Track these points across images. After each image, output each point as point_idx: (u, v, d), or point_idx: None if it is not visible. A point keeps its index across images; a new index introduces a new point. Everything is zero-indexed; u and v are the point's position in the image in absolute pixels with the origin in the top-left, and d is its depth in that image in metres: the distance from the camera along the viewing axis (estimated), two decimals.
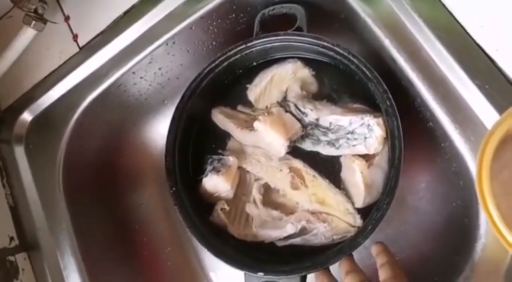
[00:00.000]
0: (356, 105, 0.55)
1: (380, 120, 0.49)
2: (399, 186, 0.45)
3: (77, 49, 0.62)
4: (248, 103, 0.61)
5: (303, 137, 0.56)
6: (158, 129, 0.71)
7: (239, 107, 0.62)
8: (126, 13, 0.60)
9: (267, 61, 0.60)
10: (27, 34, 0.60)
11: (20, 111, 0.64)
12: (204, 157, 0.59)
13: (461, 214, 0.46)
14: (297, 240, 0.53)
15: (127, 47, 0.60)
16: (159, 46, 0.59)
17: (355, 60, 0.48)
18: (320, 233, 0.52)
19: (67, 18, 0.64)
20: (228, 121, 0.60)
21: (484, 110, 0.41)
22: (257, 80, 0.61)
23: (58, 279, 0.58)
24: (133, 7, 0.59)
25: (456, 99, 0.43)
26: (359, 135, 0.51)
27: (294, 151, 0.56)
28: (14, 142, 0.64)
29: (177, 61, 0.63)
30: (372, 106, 0.52)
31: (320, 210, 0.54)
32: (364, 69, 0.48)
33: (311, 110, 0.55)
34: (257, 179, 0.58)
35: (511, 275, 0.38)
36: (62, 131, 0.62)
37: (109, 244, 0.64)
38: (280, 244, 0.54)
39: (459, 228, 0.46)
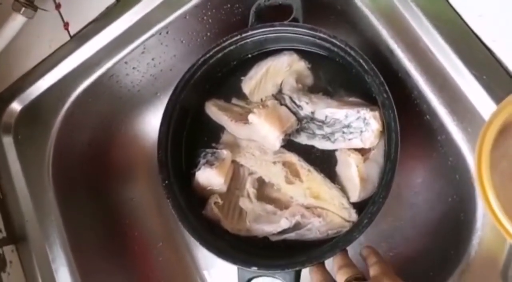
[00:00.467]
0: (352, 99, 0.54)
1: (376, 113, 0.49)
2: (394, 181, 0.44)
3: (68, 38, 0.61)
4: (243, 96, 0.60)
5: (298, 131, 0.56)
6: (151, 122, 0.70)
7: (234, 100, 0.62)
8: (118, 1, 0.59)
9: (262, 53, 0.59)
10: (17, 21, 0.59)
11: (9, 101, 0.63)
12: (197, 150, 0.59)
13: (457, 209, 0.46)
14: (291, 235, 0.52)
15: (119, 36, 0.58)
16: (152, 35, 0.58)
17: (352, 52, 0.48)
18: (315, 228, 0.52)
19: (58, 6, 0.63)
20: (222, 114, 0.59)
21: (482, 101, 0.41)
22: (252, 72, 0.60)
23: (46, 272, 0.57)
24: None
25: (453, 90, 0.42)
26: (355, 129, 0.51)
27: (289, 145, 0.55)
28: (3, 132, 0.63)
29: (170, 52, 0.62)
30: (368, 100, 0.52)
31: (315, 205, 0.53)
32: (361, 61, 0.47)
33: (307, 103, 0.54)
34: (251, 173, 0.58)
35: (507, 268, 0.37)
36: (52, 121, 0.61)
37: (99, 238, 0.63)
38: (274, 238, 0.53)
39: (455, 223, 0.46)
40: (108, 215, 0.66)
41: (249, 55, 0.59)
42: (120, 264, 0.64)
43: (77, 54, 0.60)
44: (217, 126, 0.60)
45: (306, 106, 0.54)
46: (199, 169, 0.56)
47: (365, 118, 0.50)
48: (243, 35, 0.55)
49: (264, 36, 0.55)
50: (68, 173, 0.62)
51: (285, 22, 0.53)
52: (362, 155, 0.51)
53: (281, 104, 0.57)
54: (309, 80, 0.59)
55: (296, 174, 0.55)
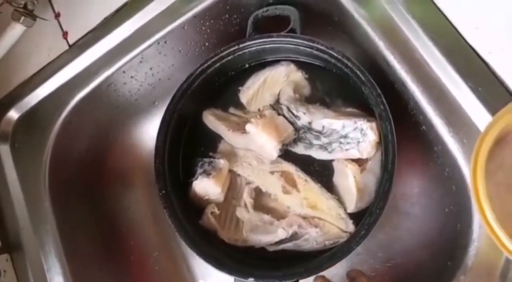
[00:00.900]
0: (349, 109, 0.55)
1: (373, 124, 0.49)
2: (391, 191, 0.44)
3: (66, 47, 0.61)
4: (240, 106, 0.61)
5: (295, 141, 0.56)
6: (148, 131, 0.70)
7: (231, 110, 0.62)
8: (117, 11, 0.59)
9: (260, 64, 0.60)
10: (16, 30, 0.59)
11: (7, 109, 0.63)
12: (194, 159, 0.59)
13: (454, 220, 0.46)
14: (288, 245, 0.52)
15: (117, 46, 0.59)
16: (151, 45, 0.58)
17: (349, 64, 0.48)
18: (312, 238, 0.51)
19: (57, 15, 0.63)
20: (219, 123, 0.60)
21: (477, 113, 0.41)
22: (249, 82, 0.61)
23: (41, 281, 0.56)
24: (125, 4, 0.59)
25: (449, 102, 0.43)
26: (352, 139, 0.51)
27: (286, 155, 0.56)
28: None
29: (168, 61, 0.62)
30: (365, 110, 0.52)
31: (312, 215, 0.53)
32: (358, 72, 0.47)
33: (304, 113, 0.55)
34: (248, 183, 0.58)
35: (504, 279, 0.37)
36: (49, 130, 0.61)
37: (95, 247, 0.62)
38: (271, 249, 0.53)
39: (452, 233, 0.46)
40: (104, 224, 0.65)
41: (247, 66, 0.60)
42: (116, 273, 0.63)
43: (76, 63, 0.60)
44: (214, 135, 0.60)
45: (304, 117, 0.55)
46: (196, 178, 0.56)
47: (362, 129, 0.50)
48: (241, 45, 0.55)
49: (262, 46, 0.55)
50: (65, 181, 0.62)
51: (283, 33, 0.53)
52: (359, 165, 0.51)
53: (279, 114, 0.57)
54: (307, 90, 0.59)
55: (293, 184, 0.55)
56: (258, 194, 0.57)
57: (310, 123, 0.54)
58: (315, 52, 0.52)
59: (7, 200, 0.60)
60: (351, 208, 0.50)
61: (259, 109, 0.59)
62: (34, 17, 0.59)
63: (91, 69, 0.60)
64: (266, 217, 0.55)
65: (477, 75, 0.41)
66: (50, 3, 0.63)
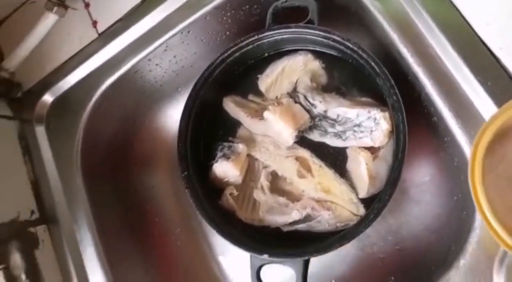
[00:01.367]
0: (364, 99, 0.56)
1: (386, 114, 0.51)
2: (403, 178, 0.46)
3: (96, 35, 0.64)
4: (259, 93, 0.63)
5: (311, 128, 0.58)
6: (172, 115, 0.73)
7: (250, 97, 0.64)
8: (143, 1, 0.61)
9: (278, 53, 0.61)
10: (49, 19, 0.62)
11: (41, 93, 0.67)
12: (214, 143, 0.61)
13: (460, 207, 0.48)
14: (302, 226, 0.55)
15: (144, 35, 0.61)
16: (175, 34, 0.61)
17: (364, 55, 0.49)
18: (324, 220, 0.54)
19: (87, 5, 0.66)
20: (239, 110, 0.62)
21: (486, 106, 0.42)
22: (268, 70, 0.63)
23: (75, 251, 0.61)
24: None
25: (459, 95, 0.44)
26: (365, 128, 0.53)
27: (302, 141, 0.58)
28: (35, 122, 0.67)
29: (191, 50, 0.65)
30: (380, 100, 0.54)
31: (325, 198, 0.56)
32: (373, 64, 0.49)
33: (320, 102, 0.57)
34: (265, 166, 0.60)
35: (502, 263, 0.39)
36: (80, 113, 0.65)
37: (122, 222, 0.67)
38: (285, 229, 0.56)
39: (458, 221, 0.48)
40: (131, 201, 0.70)
41: (266, 55, 0.62)
42: (141, 246, 0.68)
43: (105, 51, 0.63)
44: (234, 121, 0.63)
45: (320, 105, 0.57)
46: (216, 161, 0.59)
47: (375, 118, 0.52)
48: (260, 35, 0.57)
49: (280, 37, 0.57)
50: (95, 160, 0.66)
51: (301, 24, 0.55)
52: (372, 153, 0.53)
53: (296, 102, 0.59)
54: (323, 79, 0.61)
55: (308, 169, 0.58)
56: (275, 177, 0.60)
57: (325, 111, 0.56)
58: (332, 43, 0.53)
59: (43, 177, 0.64)
60: (363, 193, 0.53)
61: (276, 97, 0.62)
62: (66, 7, 0.62)
63: (119, 57, 0.63)
64: (282, 199, 0.58)
65: (487, 70, 0.42)
66: None
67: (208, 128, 0.64)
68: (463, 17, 0.44)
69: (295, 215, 0.55)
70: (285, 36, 0.57)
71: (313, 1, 0.56)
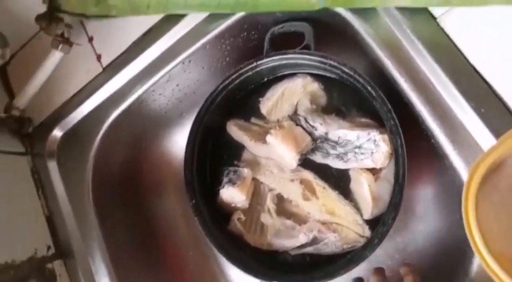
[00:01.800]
0: (363, 120, 0.57)
1: (385, 136, 0.51)
2: (407, 196, 0.46)
3: (101, 69, 0.66)
4: (261, 116, 0.64)
5: (313, 150, 0.59)
6: (178, 141, 0.74)
7: (253, 120, 0.65)
8: (145, 34, 0.63)
9: (277, 77, 0.63)
10: (55, 56, 0.64)
11: (51, 127, 0.68)
12: (220, 167, 0.63)
13: (463, 227, 0.48)
14: (309, 249, 0.56)
15: (147, 67, 0.63)
16: (176, 65, 0.62)
17: (360, 79, 0.50)
18: (331, 243, 0.55)
19: (90, 39, 0.68)
20: (242, 133, 0.63)
21: (480, 133, 0.42)
22: (269, 94, 0.64)
23: None
24: (151, 29, 0.62)
25: (453, 121, 0.44)
26: (366, 150, 0.53)
27: (306, 163, 0.59)
28: (47, 156, 0.68)
29: (193, 77, 0.66)
30: (379, 120, 0.54)
31: (331, 220, 0.56)
32: (369, 88, 0.49)
33: (321, 124, 0.57)
34: (270, 189, 0.61)
35: None
36: (90, 145, 0.66)
37: (135, 250, 0.68)
38: (293, 252, 0.57)
39: (463, 238, 0.48)
40: (143, 228, 0.71)
41: (265, 79, 0.63)
42: (155, 272, 0.69)
43: (110, 84, 0.65)
44: (238, 144, 0.64)
45: (320, 127, 0.57)
46: (223, 187, 0.60)
47: (375, 140, 0.52)
48: (259, 62, 0.58)
49: (278, 63, 0.58)
50: (106, 191, 0.68)
51: (297, 50, 0.56)
52: (374, 174, 0.53)
53: (297, 124, 0.60)
54: (323, 100, 0.62)
55: (313, 191, 0.58)
56: (280, 200, 0.61)
57: (326, 133, 0.57)
58: (329, 67, 0.54)
59: (57, 211, 0.66)
60: (367, 215, 0.53)
61: (278, 120, 0.63)
62: (70, 44, 0.64)
63: (124, 89, 0.64)
64: (288, 222, 0.58)
65: (480, 96, 0.42)
66: (84, 28, 0.68)
67: (213, 153, 0.65)
68: (453, 43, 0.44)
69: (302, 239, 0.56)
70: (283, 62, 0.58)
71: (309, 26, 0.57)
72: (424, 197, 0.57)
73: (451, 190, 0.51)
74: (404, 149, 0.46)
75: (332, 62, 0.53)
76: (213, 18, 0.60)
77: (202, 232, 0.58)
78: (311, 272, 0.51)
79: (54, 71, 0.67)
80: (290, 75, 0.62)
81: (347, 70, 0.51)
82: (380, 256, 0.51)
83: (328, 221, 0.56)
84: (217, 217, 0.60)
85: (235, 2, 0.56)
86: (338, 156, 0.57)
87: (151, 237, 0.71)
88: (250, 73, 0.60)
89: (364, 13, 0.51)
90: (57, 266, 0.62)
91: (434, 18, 0.46)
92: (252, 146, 0.63)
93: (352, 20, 0.51)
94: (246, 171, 0.61)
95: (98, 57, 0.67)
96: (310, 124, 0.59)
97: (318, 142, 0.58)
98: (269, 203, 0.61)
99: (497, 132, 0.40)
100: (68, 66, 0.68)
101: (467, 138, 0.43)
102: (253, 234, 0.60)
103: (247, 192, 0.60)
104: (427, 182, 0.57)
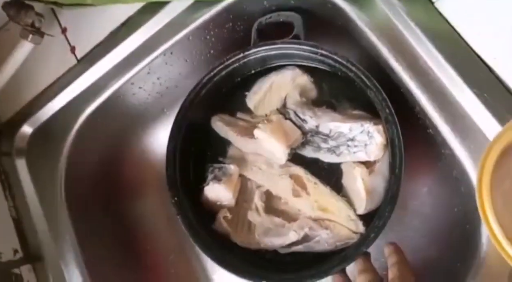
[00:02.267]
0: (356, 112, 0.55)
1: (380, 127, 0.49)
2: (401, 191, 0.45)
3: (75, 61, 0.62)
4: (248, 110, 0.62)
5: (303, 144, 0.57)
6: (159, 138, 0.71)
7: (239, 115, 0.63)
8: (123, 24, 0.60)
9: (265, 69, 0.60)
10: (25, 47, 0.60)
11: (20, 124, 0.64)
12: (204, 165, 0.60)
13: (462, 220, 0.46)
14: (299, 247, 0.53)
15: (125, 59, 0.60)
16: (157, 57, 0.59)
17: (353, 68, 0.48)
18: (323, 240, 0.52)
19: (64, 30, 0.64)
20: (228, 129, 0.61)
21: (483, 119, 0.41)
22: (256, 87, 0.61)
23: None
24: (129, 19, 0.59)
25: (455, 108, 0.43)
26: (359, 142, 0.52)
27: (295, 158, 0.56)
28: (15, 154, 0.64)
29: (175, 70, 0.63)
30: (372, 112, 0.52)
31: (322, 217, 0.54)
32: (363, 77, 0.48)
33: (311, 117, 0.55)
34: (258, 186, 0.59)
35: None
36: (62, 143, 0.62)
37: (112, 253, 0.64)
38: (282, 251, 0.54)
39: (461, 234, 0.46)
40: (120, 230, 0.67)
41: (252, 71, 0.60)
42: (133, 278, 0.65)
43: (85, 77, 0.61)
44: (223, 141, 0.61)
45: (311, 120, 0.55)
46: (208, 184, 0.57)
47: (369, 132, 0.50)
48: (246, 53, 0.56)
49: (267, 53, 0.56)
50: (81, 191, 0.64)
51: (286, 40, 0.54)
52: (367, 167, 0.51)
53: (286, 118, 0.57)
54: (313, 93, 0.60)
55: (303, 187, 0.56)
56: (269, 197, 0.58)
57: (317, 126, 0.55)
58: (320, 57, 0.52)
59: (25, 212, 0.62)
60: (361, 210, 0.51)
61: (266, 114, 0.60)
62: (41, 34, 0.60)
63: (100, 82, 0.61)
64: (278, 220, 0.56)
65: (482, 81, 0.41)
66: (57, 19, 0.64)
67: (197, 150, 0.62)
68: (453, 28, 0.43)
69: (293, 236, 0.53)
70: (271, 53, 0.56)
71: (298, 16, 0.55)
72: (419, 191, 0.56)
73: (447, 184, 0.50)
74: (400, 139, 0.44)
75: (323, 52, 0.51)
76: (197, 7, 0.57)
77: (185, 232, 0.54)
78: (303, 270, 0.48)
79: (24, 64, 0.63)
80: (279, 68, 0.60)
81: (339, 59, 0.49)
82: (374, 253, 0.48)
83: (319, 217, 0.54)
84: (201, 216, 0.57)
85: None
86: (330, 150, 0.54)
87: (129, 240, 0.67)
88: (236, 64, 0.57)
89: None
90: (25, 271, 0.58)
91: (432, 2, 0.44)
92: (238, 141, 0.60)
93: (345, 7, 0.49)
94: (232, 167, 0.58)
95: (72, 49, 0.63)
96: (300, 118, 0.57)
97: (308, 136, 0.56)
98: (257, 201, 0.58)
99: (501, 118, 0.39)
100: (39, 58, 0.64)
101: (469, 125, 0.41)
102: (240, 233, 0.57)
103: (234, 189, 0.57)
104: (422, 176, 0.56)
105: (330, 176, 0.55)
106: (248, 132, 0.59)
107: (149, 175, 0.72)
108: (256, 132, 0.55)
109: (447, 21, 0.43)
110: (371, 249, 0.47)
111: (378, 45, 0.47)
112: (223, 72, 0.58)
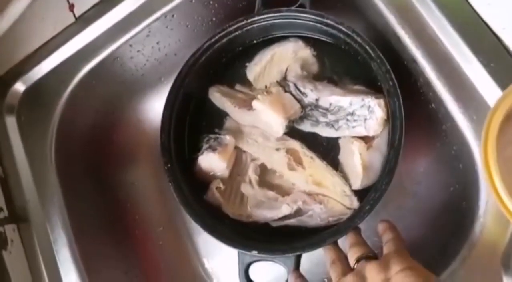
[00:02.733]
0: (357, 87, 0.54)
1: (381, 101, 0.49)
2: (397, 170, 0.44)
3: (73, 20, 0.61)
4: (247, 82, 0.60)
5: (301, 118, 0.56)
6: (154, 107, 0.69)
7: (237, 86, 0.61)
8: None
9: (268, 40, 0.59)
10: (22, 2, 0.59)
11: (13, 81, 0.62)
12: (200, 135, 0.59)
13: (459, 198, 0.46)
14: (292, 221, 0.53)
15: (124, 19, 0.58)
16: (158, 19, 0.58)
17: (358, 39, 0.48)
18: (316, 214, 0.52)
19: None
20: (225, 100, 0.59)
21: (488, 89, 0.40)
22: (256, 59, 0.60)
23: (47, 252, 0.57)
24: None
25: (460, 77, 0.42)
26: (359, 116, 0.51)
27: (292, 132, 0.55)
28: (6, 112, 0.62)
29: (175, 36, 0.62)
30: (373, 88, 0.52)
31: (317, 192, 0.53)
32: (367, 48, 0.47)
33: (311, 90, 0.54)
34: (253, 159, 0.58)
35: (509, 256, 0.37)
36: (55, 103, 0.61)
37: (100, 220, 0.63)
38: (274, 224, 0.54)
39: (456, 212, 0.46)
40: (110, 198, 0.66)
41: (255, 42, 0.59)
42: (120, 246, 0.64)
43: (82, 36, 0.59)
44: (220, 112, 0.60)
45: (311, 94, 0.54)
46: (202, 153, 0.56)
47: (369, 106, 0.50)
48: (249, 20, 0.55)
49: (270, 22, 0.55)
50: (71, 154, 0.62)
51: (292, 8, 0.53)
52: (366, 143, 0.51)
53: (286, 91, 0.56)
54: (314, 67, 0.58)
55: (299, 161, 0.55)
56: (263, 170, 0.57)
57: (317, 100, 0.54)
58: (325, 27, 0.51)
59: (13, 171, 0.60)
60: (356, 185, 0.50)
61: (266, 86, 0.59)
62: None
63: (97, 42, 0.59)
64: (271, 193, 0.55)
65: (489, 51, 0.40)
66: None
67: (193, 120, 0.61)
68: None
69: (285, 210, 0.52)
70: (275, 21, 0.55)
71: None
72: (415, 170, 0.56)
73: (445, 163, 0.50)
74: (402, 111, 0.43)
75: (328, 21, 0.50)
76: None
77: (177, 200, 0.53)
78: (294, 242, 0.48)
79: (20, 20, 0.61)
80: (281, 39, 0.59)
81: (344, 29, 0.49)
82: (366, 231, 0.48)
83: (314, 192, 0.53)
84: (193, 185, 0.56)
85: None
86: (329, 124, 0.53)
87: (118, 208, 0.66)
88: (239, 32, 0.56)
89: None
90: (9, 230, 0.57)
91: None
92: (236, 113, 0.59)
93: None
94: (228, 138, 0.57)
95: (71, 7, 0.61)
96: (300, 91, 0.55)
97: (307, 110, 0.55)
98: (251, 173, 0.57)
99: (506, 88, 0.38)
100: (35, 15, 0.63)
101: (474, 95, 0.41)
102: (232, 204, 0.56)
103: (228, 159, 0.56)
104: (419, 155, 0.55)
105: (328, 151, 0.54)
106: (246, 104, 0.58)
107: (143, 144, 0.70)
108: (254, 103, 0.55)
109: None
110: (364, 229, 0.46)
111: (386, 13, 0.46)
112: (224, 40, 0.57)
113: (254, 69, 0.60)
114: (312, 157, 0.55)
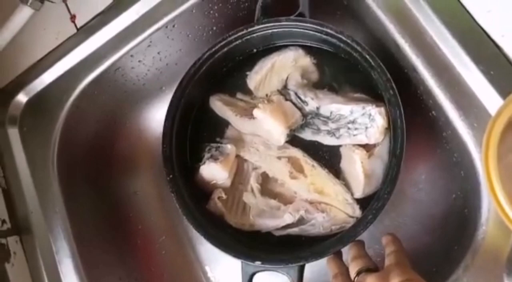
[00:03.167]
0: (357, 95, 0.54)
1: (382, 109, 0.49)
2: (399, 177, 0.44)
3: (74, 30, 0.61)
4: (248, 91, 0.61)
5: (303, 126, 0.56)
6: (156, 116, 0.70)
7: (238, 95, 0.62)
8: None
9: (268, 49, 0.59)
10: (24, 13, 0.59)
11: (15, 92, 0.63)
12: (201, 144, 0.59)
13: (461, 205, 0.46)
14: (294, 230, 0.52)
15: (126, 29, 0.58)
16: (159, 29, 0.58)
17: (358, 48, 0.48)
18: (318, 223, 0.52)
19: None
20: (226, 109, 0.60)
21: (488, 96, 0.40)
22: (257, 67, 0.60)
23: (50, 264, 0.57)
24: None
25: (460, 86, 0.42)
26: (360, 125, 0.51)
27: (294, 140, 0.56)
28: (8, 123, 0.63)
29: (176, 45, 0.62)
30: (374, 96, 0.52)
31: (319, 200, 0.53)
32: (368, 57, 0.47)
33: (312, 99, 0.54)
34: (255, 168, 0.58)
35: (510, 264, 0.37)
36: (57, 114, 0.61)
37: (102, 230, 0.63)
38: (277, 233, 0.54)
39: (458, 219, 0.46)
40: (111, 208, 0.66)
41: (255, 50, 0.59)
42: (123, 256, 0.64)
43: (84, 47, 0.60)
44: (221, 121, 0.60)
45: (311, 102, 0.54)
46: (204, 163, 0.56)
47: (370, 114, 0.50)
48: (249, 29, 0.55)
49: (270, 31, 0.55)
50: (73, 165, 0.62)
51: (292, 17, 0.53)
52: (367, 151, 0.51)
53: (286, 99, 0.56)
54: (315, 76, 0.59)
55: (300, 169, 0.55)
56: (265, 179, 0.57)
57: (318, 108, 0.54)
58: (324, 36, 0.51)
59: (16, 182, 0.60)
60: (358, 193, 0.50)
61: (266, 95, 0.59)
62: (42, 0, 0.59)
63: (99, 53, 0.59)
64: (273, 202, 0.55)
65: (489, 59, 0.41)
66: None
67: (194, 129, 0.61)
68: (462, 5, 0.42)
69: (288, 218, 0.52)
70: (275, 31, 0.55)
71: None
72: (416, 177, 0.55)
73: (447, 170, 0.49)
74: (403, 120, 0.43)
75: (328, 30, 0.50)
76: None
77: (179, 210, 0.53)
78: (297, 252, 0.47)
79: (22, 31, 0.62)
80: (281, 48, 0.59)
81: (344, 38, 0.49)
82: (369, 240, 0.48)
83: (316, 200, 0.53)
84: (195, 195, 0.56)
85: None
86: (330, 132, 0.54)
87: (120, 218, 0.66)
88: (239, 41, 0.56)
89: None
90: (12, 242, 0.57)
91: None
92: (237, 122, 0.59)
93: None
94: (229, 147, 0.57)
95: (72, 18, 0.62)
96: (300, 99, 0.56)
97: (308, 118, 0.55)
98: (253, 182, 0.57)
99: (506, 95, 0.38)
100: (37, 26, 0.63)
101: (474, 103, 0.41)
102: (235, 214, 0.56)
103: (230, 169, 0.56)
104: (420, 162, 0.55)
105: (329, 159, 0.54)
106: (247, 113, 0.58)
107: (144, 153, 0.70)
108: (256, 112, 0.55)
109: None
110: (365, 237, 0.46)
111: (385, 21, 0.46)
112: (225, 49, 0.57)
113: (255, 78, 0.60)
114: (313, 165, 0.55)
